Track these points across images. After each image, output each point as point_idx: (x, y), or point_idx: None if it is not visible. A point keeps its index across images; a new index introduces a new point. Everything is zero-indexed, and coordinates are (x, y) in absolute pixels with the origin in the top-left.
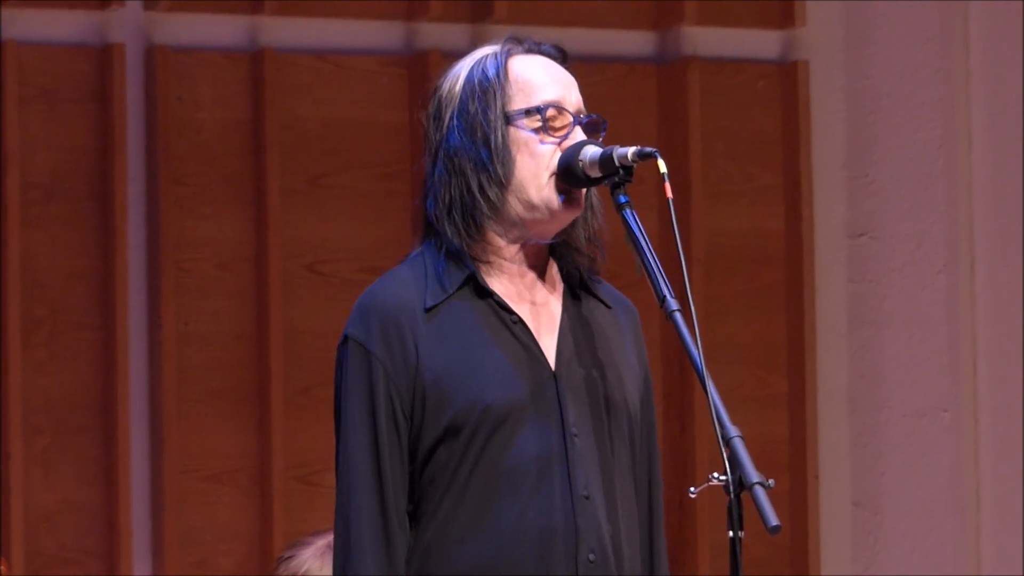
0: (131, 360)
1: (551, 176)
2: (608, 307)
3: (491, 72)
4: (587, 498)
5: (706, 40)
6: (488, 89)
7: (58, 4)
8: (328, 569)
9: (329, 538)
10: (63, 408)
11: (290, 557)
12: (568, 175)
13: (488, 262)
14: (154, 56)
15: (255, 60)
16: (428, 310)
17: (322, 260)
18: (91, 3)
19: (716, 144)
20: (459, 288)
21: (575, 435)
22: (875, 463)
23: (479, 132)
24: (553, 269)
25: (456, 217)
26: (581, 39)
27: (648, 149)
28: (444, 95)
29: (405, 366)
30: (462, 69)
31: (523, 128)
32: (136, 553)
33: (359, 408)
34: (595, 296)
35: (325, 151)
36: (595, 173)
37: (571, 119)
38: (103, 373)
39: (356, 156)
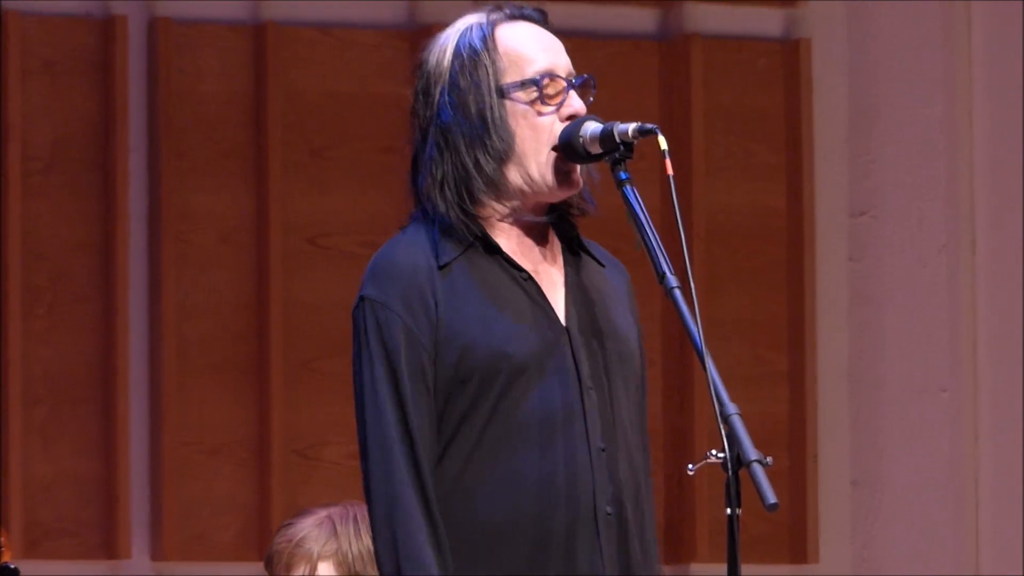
0: (131, 332)
1: (551, 149)
2: (602, 266)
3: (479, 45)
4: (603, 451)
5: (709, 17)
6: (478, 63)
7: None
8: (325, 539)
9: (332, 510)
10: (62, 379)
11: (290, 524)
12: (569, 151)
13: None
14: (156, 28)
15: (257, 33)
16: (442, 267)
17: (322, 233)
18: None
19: (717, 121)
20: (467, 248)
21: (590, 388)
22: (874, 441)
23: (473, 107)
24: (549, 231)
25: (449, 193)
26: (584, 14)
27: (649, 125)
28: (431, 70)
29: (427, 322)
30: (447, 42)
31: (519, 101)
32: (134, 525)
33: (383, 366)
34: (590, 255)
35: (326, 124)
36: (596, 149)
37: (564, 85)
38: (103, 344)
39: (357, 129)
